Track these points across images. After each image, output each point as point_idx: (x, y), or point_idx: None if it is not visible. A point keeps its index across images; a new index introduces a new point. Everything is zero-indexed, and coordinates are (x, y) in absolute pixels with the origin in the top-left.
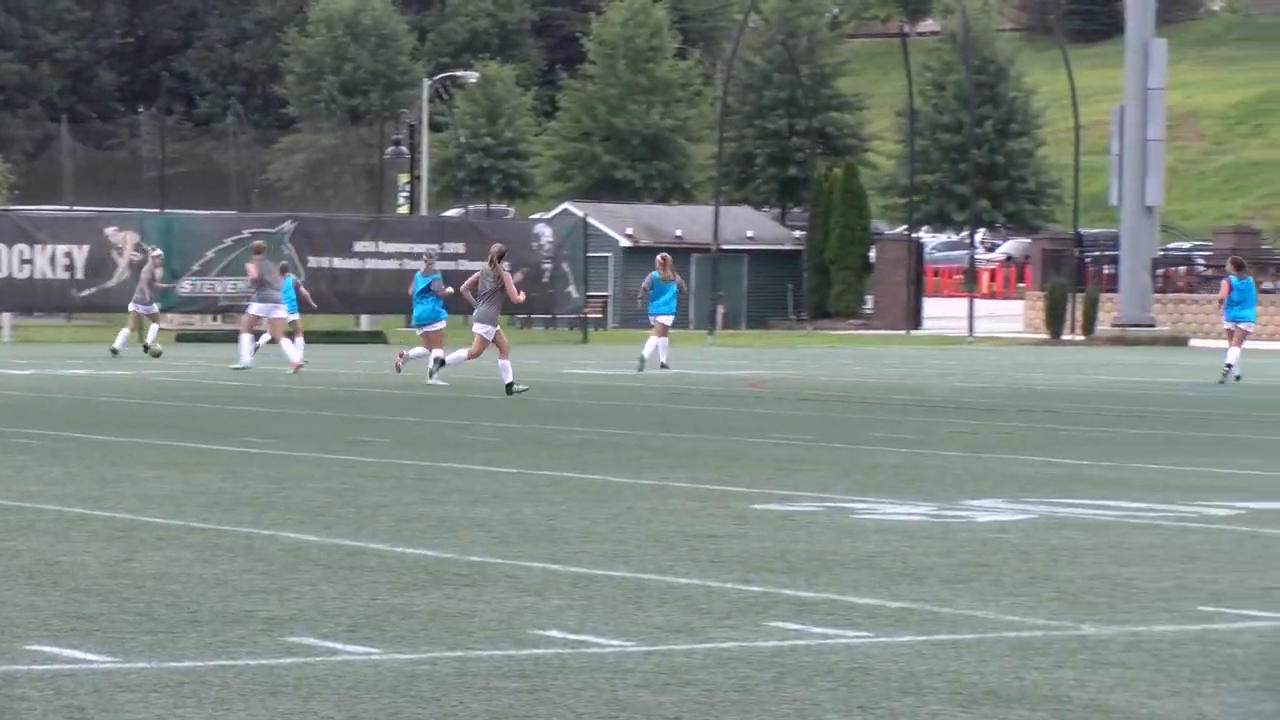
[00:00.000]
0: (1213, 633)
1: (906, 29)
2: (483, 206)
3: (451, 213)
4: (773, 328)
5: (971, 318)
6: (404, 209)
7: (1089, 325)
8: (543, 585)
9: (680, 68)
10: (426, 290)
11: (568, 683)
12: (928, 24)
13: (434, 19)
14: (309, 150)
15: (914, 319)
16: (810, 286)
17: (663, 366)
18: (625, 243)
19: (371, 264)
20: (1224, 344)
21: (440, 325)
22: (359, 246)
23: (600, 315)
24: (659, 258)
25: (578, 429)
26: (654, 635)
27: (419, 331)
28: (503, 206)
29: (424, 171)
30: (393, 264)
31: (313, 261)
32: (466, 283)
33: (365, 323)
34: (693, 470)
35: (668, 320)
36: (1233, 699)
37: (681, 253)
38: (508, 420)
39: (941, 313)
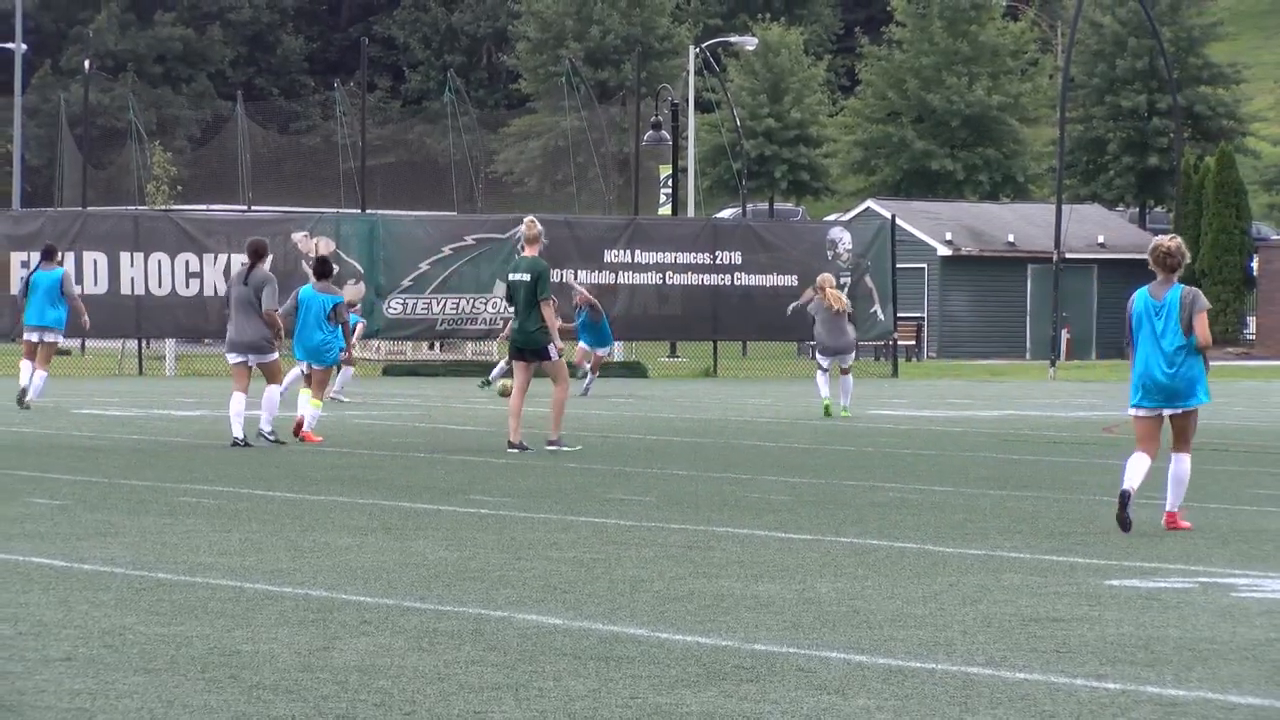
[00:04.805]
0: None
1: None
2: (764, 206)
3: (725, 214)
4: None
5: None
6: (666, 209)
7: None
8: (844, 680)
9: (1011, 31)
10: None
11: None
12: None
13: None
14: (546, 136)
15: None
16: None
17: None
18: (944, 250)
19: (626, 277)
20: None
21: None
22: (611, 256)
23: (913, 342)
24: None
25: (888, 485)
26: None
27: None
28: (789, 206)
29: (690, 162)
30: (653, 278)
31: (554, 275)
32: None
33: (619, 350)
34: (1031, 538)
35: None
36: None
37: (1015, 263)
38: (795, 474)
39: None
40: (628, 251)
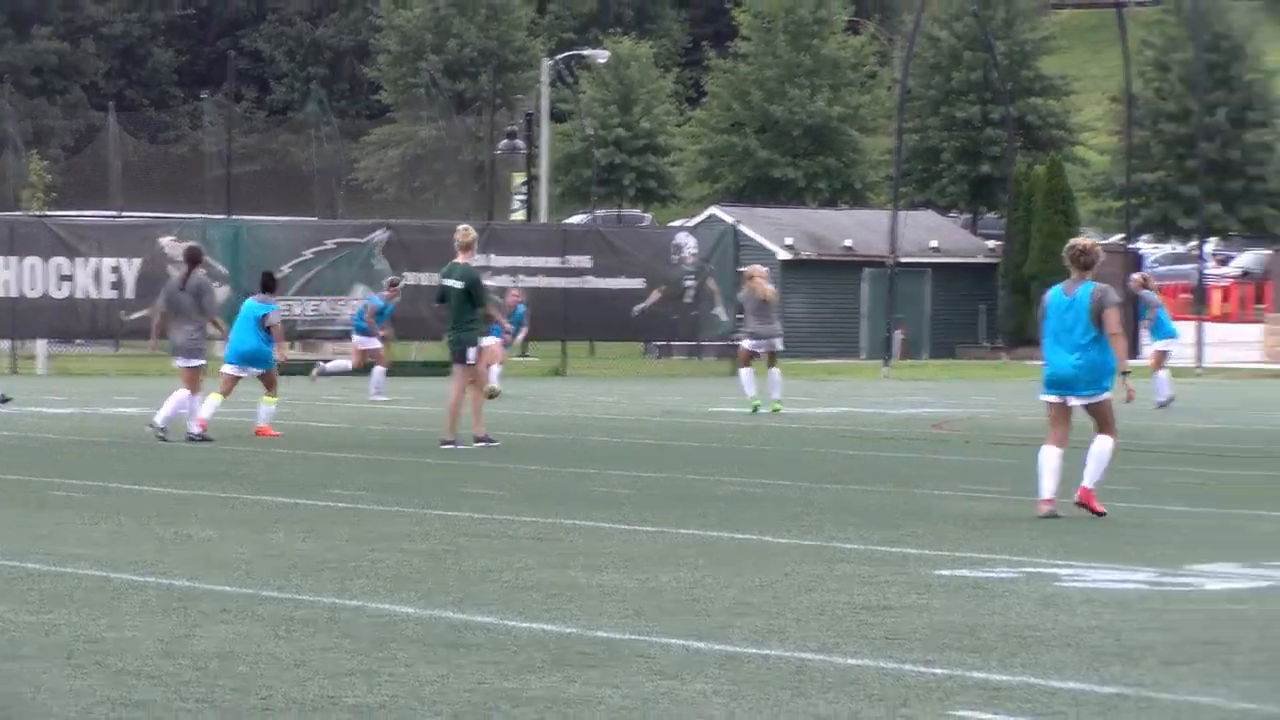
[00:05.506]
0: None
1: None
2: (613, 212)
3: (576, 219)
4: (961, 357)
5: (1200, 345)
6: (519, 215)
7: None
8: (682, 666)
9: (851, 44)
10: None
11: None
12: None
13: None
14: (405, 144)
15: (1132, 347)
16: (1006, 307)
17: None
18: (784, 255)
19: (484, 280)
20: None
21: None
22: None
23: None
24: None
25: (731, 479)
26: None
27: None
28: (637, 212)
29: (543, 170)
30: (506, 280)
31: (411, 278)
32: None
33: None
34: (865, 529)
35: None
36: None
37: (852, 266)
38: (640, 469)
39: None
40: (483, 255)
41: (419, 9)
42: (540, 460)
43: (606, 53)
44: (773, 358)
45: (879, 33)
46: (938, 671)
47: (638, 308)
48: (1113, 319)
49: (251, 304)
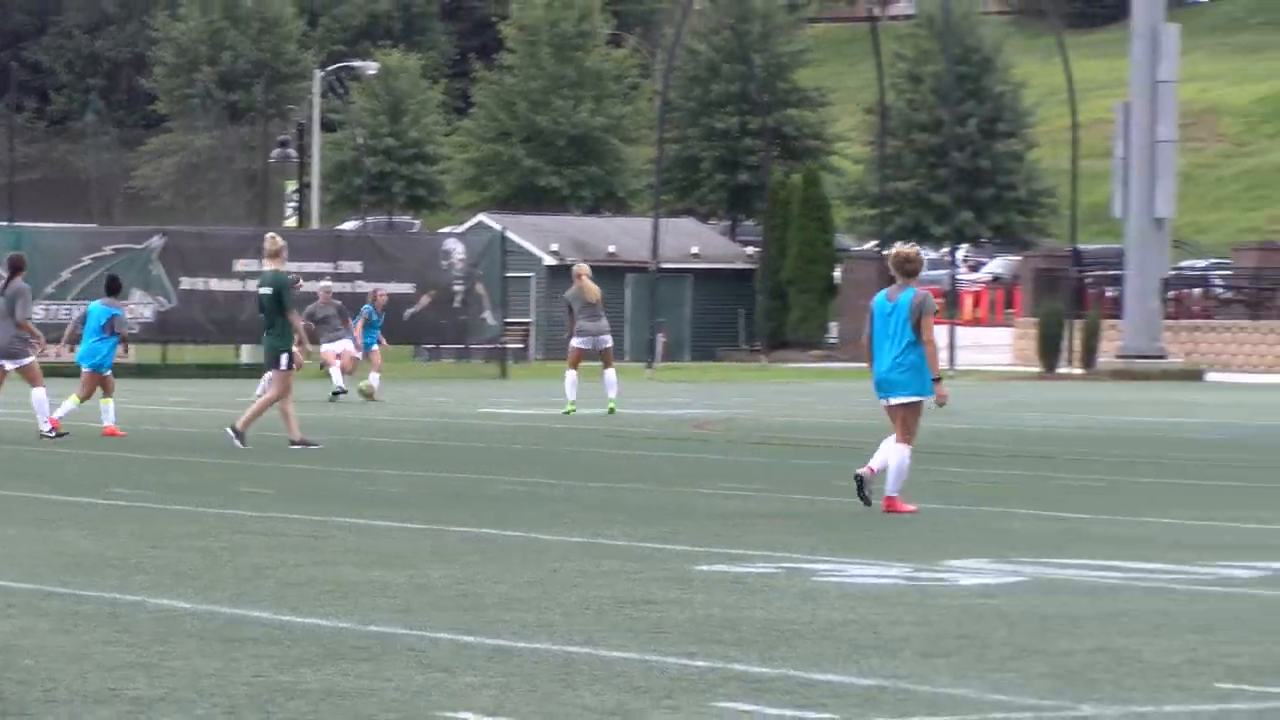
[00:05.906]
0: (1232, 713)
1: (876, 12)
2: (384, 218)
3: (347, 225)
4: (721, 359)
5: (953, 348)
6: (292, 221)
7: (1088, 357)
8: (452, 659)
9: (614, 57)
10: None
11: None
12: (901, 6)
13: (327, 1)
14: (181, 153)
15: None
16: (765, 311)
17: None
18: (550, 260)
19: (254, 286)
20: (1246, 379)
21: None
22: (240, 265)
23: (521, 345)
24: None
25: (500, 478)
26: (584, 718)
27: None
28: (407, 219)
29: (315, 178)
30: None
31: (185, 283)
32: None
33: (246, 354)
34: (629, 526)
35: None
36: None
37: (615, 272)
38: (411, 469)
39: None
40: (256, 261)
41: (194, 22)
42: (313, 460)
43: (376, 65)
44: (607, 358)
45: (640, 46)
46: (700, 664)
47: (408, 311)
48: (927, 326)
49: (97, 307)
